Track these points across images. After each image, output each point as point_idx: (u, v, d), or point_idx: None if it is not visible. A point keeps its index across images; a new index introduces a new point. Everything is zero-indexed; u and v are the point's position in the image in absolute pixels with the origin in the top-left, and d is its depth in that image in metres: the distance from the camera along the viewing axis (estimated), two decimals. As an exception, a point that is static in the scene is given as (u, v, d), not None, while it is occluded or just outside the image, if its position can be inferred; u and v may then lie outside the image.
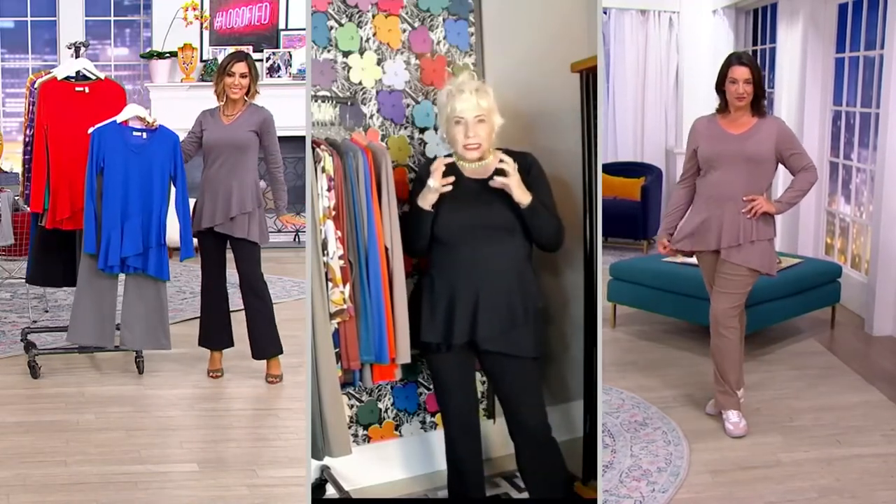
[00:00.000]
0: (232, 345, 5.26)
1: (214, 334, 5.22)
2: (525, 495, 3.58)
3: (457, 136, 3.35)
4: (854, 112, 7.10)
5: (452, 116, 3.34)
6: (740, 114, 4.39)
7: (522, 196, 3.30)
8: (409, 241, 3.44)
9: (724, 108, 4.45)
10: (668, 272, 6.02)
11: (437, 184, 3.27)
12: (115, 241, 4.95)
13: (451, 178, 3.29)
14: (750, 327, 5.18)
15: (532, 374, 3.40)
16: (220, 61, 8.91)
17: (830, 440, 4.45)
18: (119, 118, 4.99)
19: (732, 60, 4.38)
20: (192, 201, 5.15)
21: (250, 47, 8.95)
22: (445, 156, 3.49)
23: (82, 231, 5.18)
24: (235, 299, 5.28)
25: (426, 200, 3.32)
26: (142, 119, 5.01)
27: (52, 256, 5.43)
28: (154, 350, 5.25)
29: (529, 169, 3.41)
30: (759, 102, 4.38)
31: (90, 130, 4.95)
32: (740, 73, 4.32)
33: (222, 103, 5.05)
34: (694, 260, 5.82)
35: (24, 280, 6.48)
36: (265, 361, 5.20)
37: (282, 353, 5.22)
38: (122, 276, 5.11)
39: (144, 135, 5.00)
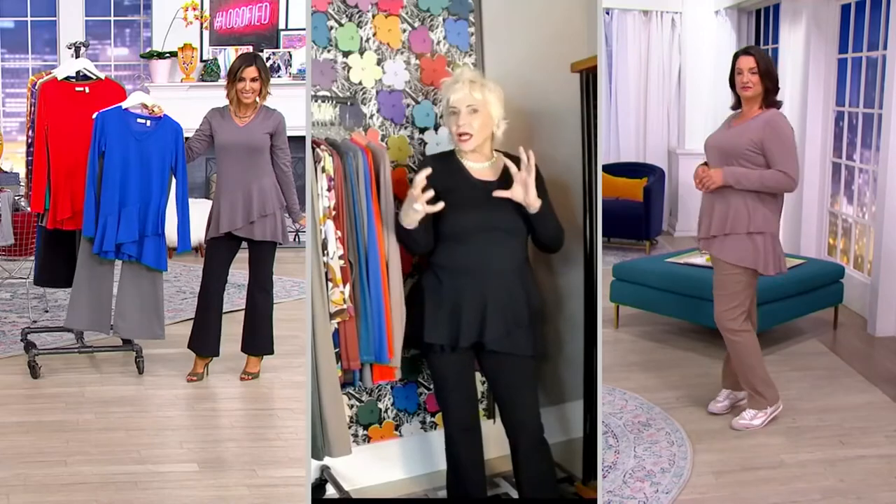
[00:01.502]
0: (217, 354, 5.21)
1: (206, 339, 5.14)
2: (526, 496, 3.57)
3: (451, 127, 3.36)
4: (857, 113, 7.08)
5: (448, 107, 3.35)
6: (749, 106, 4.39)
7: (534, 201, 3.28)
8: (406, 248, 3.43)
9: (737, 104, 4.46)
10: (671, 273, 6.00)
11: (423, 207, 3.21)
12: (112, 226, 4.95)
13: (439, 204, 3.22)
14: (753, 328, 5.16)
15: (529, 372, 3.40)
16: (220, 62, 9.12)
17: (834, 441, 4.43)
18: (124, 104, 4.99)
19: (739, 52, 4.44)
20: (191, 201, 5.13)
21: (250, 47, 8.94)
22: (442, 153, 3.49)
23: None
24: (236, 299, 5.26)
25: (410, 220, 3.27)
26: (146, 106, 5.01)
27: (59, 257, 5.41)
28: (148, 339, 5.23)
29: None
30: (769, 95, 4.37)
31: (94, 115, 4.95)
32: (745, 62, 4.34)
33: (232, 104, 5.03)
34: (697, 260, 5.82)
35: (24, 280, 6.50)
36: (246, 357, 5.21)
37: (272, 353, 5.22)
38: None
39: (148, 122, 5.00)
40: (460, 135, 3.33)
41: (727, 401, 4.76)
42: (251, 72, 4.93)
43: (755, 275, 4.45)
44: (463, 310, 3.32)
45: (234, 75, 4.95)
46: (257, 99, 5.00)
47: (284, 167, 5.08)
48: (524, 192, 3.25)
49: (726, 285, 4.44)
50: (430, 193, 3.20)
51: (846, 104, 7.24)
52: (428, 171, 3.20)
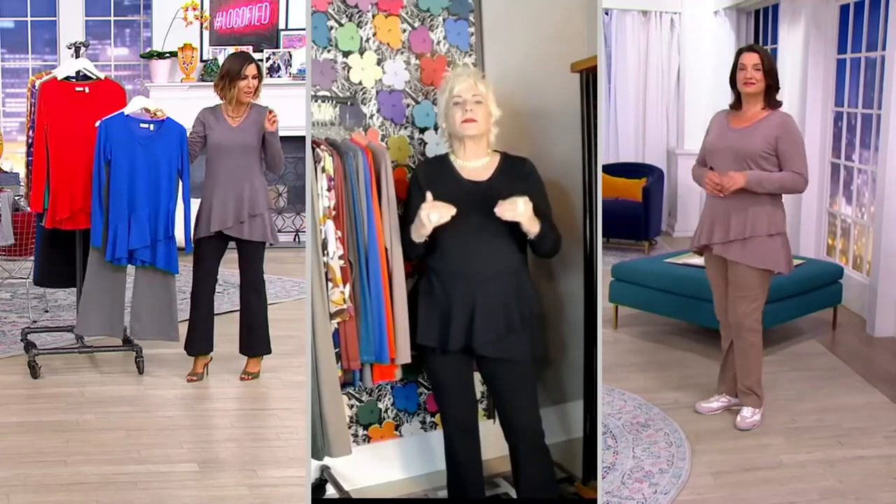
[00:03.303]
0: (211, 349, 5.22)
1: (202, 338, 5.15)
2: (526, 496, 3.57)
3: (455, 116, 3.33)
4: (855, 113, 7.09)
5: (451, 98, 3.34)
6: (750, 105, 4.38)
7: (531, 227, 3.27)
8: (405, 252, 3.44)
9: (736, 104, 4.46)
10: (670, 273, 6.01)
11: (432, 223, 3.21)
12: (122, 233, 4.96)
13: (448, 217, 3.23)
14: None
15: (527, 376, 3.39)
16: (220, 62, 9.09)
17: (833, 442, 4.43)
18: (126, 110, 4.99)
19: (743, 49, 4.44)
20: (192, 201, 5.13)
21: (250, 47, 8.94)
22: (435, 157, 3.48)
23: (82, 231, 5.19)
24: (235, 300, 5.26)
25: (419, 234, 3.29)
26: (148, 110, 5.01)
27: (58, 257, 5.41)
28: (162, 340, 5.24)
29: (528, 175, 3.39)
30: (771, 94, 4.37)
31: (97, 123, 4.95)
32: (749, 58, 4.34)
33: (227, 104, 5.02)
34: (696, 261, 5.80)
35: (24, 280, 6.50)
36: (246, 357, 5.21)
37: (270, 353, 5.22)
38: (131, 269, 5.11)
39: (151, 127, 5.01)
40: (465, 120, 3.32)
41: (719, 404, 4.76)
42: (253, 69, 4.96)
43: (771, 275, 4.48)
44: (452, 314, 3.31)
45: (236, 74, 4.95)
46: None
47: (277, 160, 5.07)
48: (522, 223, 3.22)
49: (750, 287, 4.44)
50: (451, 209, 3.20)
51: (845, 104, 7.24)
52: (431, 199, 3.22)
